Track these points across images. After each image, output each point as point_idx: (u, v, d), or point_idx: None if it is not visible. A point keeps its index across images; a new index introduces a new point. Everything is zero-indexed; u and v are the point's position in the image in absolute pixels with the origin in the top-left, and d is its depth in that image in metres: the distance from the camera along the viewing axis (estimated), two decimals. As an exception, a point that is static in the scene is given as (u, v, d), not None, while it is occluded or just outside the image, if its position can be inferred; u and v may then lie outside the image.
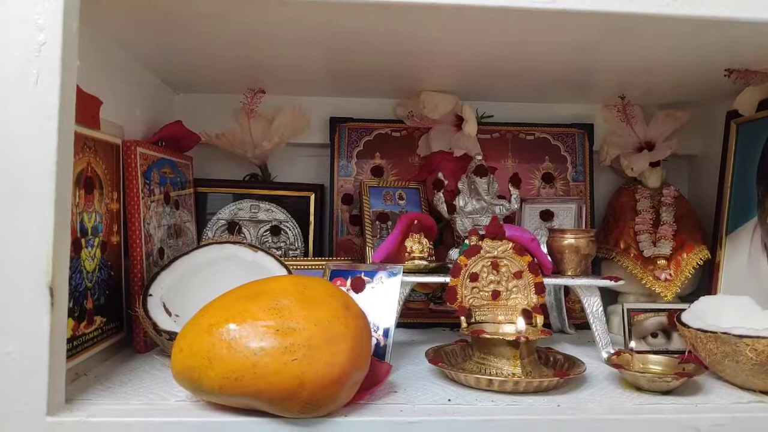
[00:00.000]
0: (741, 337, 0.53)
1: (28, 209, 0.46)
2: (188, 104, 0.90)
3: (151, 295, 0.63)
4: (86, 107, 0.59)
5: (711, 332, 0.55)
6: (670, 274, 0.81)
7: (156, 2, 0.55)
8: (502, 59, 0.72)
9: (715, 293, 0.80)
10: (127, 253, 0.68)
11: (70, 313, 0.55)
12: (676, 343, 0.70)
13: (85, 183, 0.59)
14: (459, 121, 0.87)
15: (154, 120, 0.81)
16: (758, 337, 0.52)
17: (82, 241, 0.58)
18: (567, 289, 0.83)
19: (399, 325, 0.84)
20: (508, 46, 0.66)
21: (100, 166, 0.62)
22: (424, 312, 0.87)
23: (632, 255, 0.84)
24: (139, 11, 0.57)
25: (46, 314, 0.46)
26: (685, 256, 0.82)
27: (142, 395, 0.52)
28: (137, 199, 0.69)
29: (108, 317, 0.64)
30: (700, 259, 0.81)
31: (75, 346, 0.56)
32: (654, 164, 0.88)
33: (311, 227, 0.91)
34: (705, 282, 0.83)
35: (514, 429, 0.48)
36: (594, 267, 0.90)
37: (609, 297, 0.88)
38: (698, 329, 0.57)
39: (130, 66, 0.74)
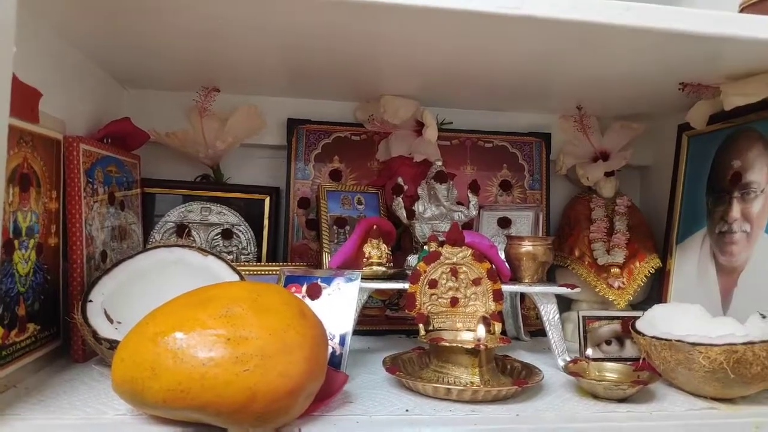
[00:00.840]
0: (694, 344, 0.53)
1: (-49, 206, 0.42)
2: (137, 100, 0.86)
3: (91, 301, 0.59)
4: (23, 99, 0.55)
5: (665, 340, 0.56)
6: (623, 282, 0.82)
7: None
8: (462, 64, 0.71)
9: (665, 301, 0.82)
10: (66, 255, 0.64)
11: (0, 320, 0.50)
12: (629, 350, 0.71)
13: (20, 180, 0.55)
14: (419, 127, 0.86)
15: (99, 116, 0.77)
16: (711, 345, 0.53)
17: (16, 242, 0.54)
18: (522, 296, 0.83)
19: (355, 332, 0.82)
20: (468, 50, 0.66)
21: (38, 163, 0.58)
22: (380, 319, 0.85)
23: (586, 263, 0.85)
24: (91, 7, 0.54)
25: (-30, 321, 0.42)
26: (637, 264, 0.83)
27: (78, 409, 0.48)
28: (79, 199, 0.64)
29: (42, 324, 0.59)
30: (652, 267, 0.83)
31: (4, 356, 0.52)
32: (608, 174, 0.89)
33: (265, 231, 0.88)
34: (656, 290, 0.85)
35: (473, 440, 0.47)
36: (549, 274, 0.91)
37: (563, 304, 0.89)
38: (653, 337, 0.58)
39: (75, 57, 0.69)
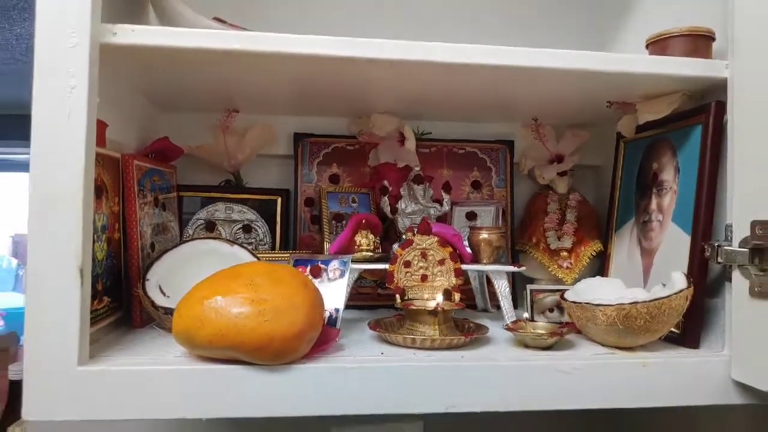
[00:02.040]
0: (596, 305, 0.72)
1: (65, 212, 0.61)
2: (173, 121, 1.05)
3: (148, 279, 0.79)
4: (97, 130, 0.74)
5: (578, 303, 0.74)
6: (570, 263, 1.00)
7: (152, 57, 0.70)
8: (434, 90, 0.89)
9: (607, 277, 1.00)
10: (126, 246, 0.83)
11: (88, 292, 0.70)
12: (568, 316, 0.89)
13: (96, 190, 0.74)
14: (402, 138, 1.04)
15: (144, 135, 0.96)
16: (607, 305, 0.71)
17: (95, 236, 0.73)
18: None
19: (352, 306, 1.01)
20: (436, 83, 0.84)
21: (106, 176, 0.78)
22: (372, 296, 1.04)
23: (542, 248, 1.03)
24: (140, 61, 0.73)
25: (77, 289, 0.61)
26: (582, 248, 1.01)
27: (148, 354, 0.68)
28: (134, 203, 0.84)
29: (111, 298, 0.79)
30: (594, 251, 1.01)
31: (91, 318, 0.71)
32: (561, 174, 1.07)
33: (278, 226, 1.07)
34: (600, 269, 1.03)
35: (426, 371, 0.66)
36: (513, 257, 1.09)
37: (528, 282, 1.07)
38: (572, 302, 0.76)
39: (129, 94, 0.89)
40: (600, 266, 1.03)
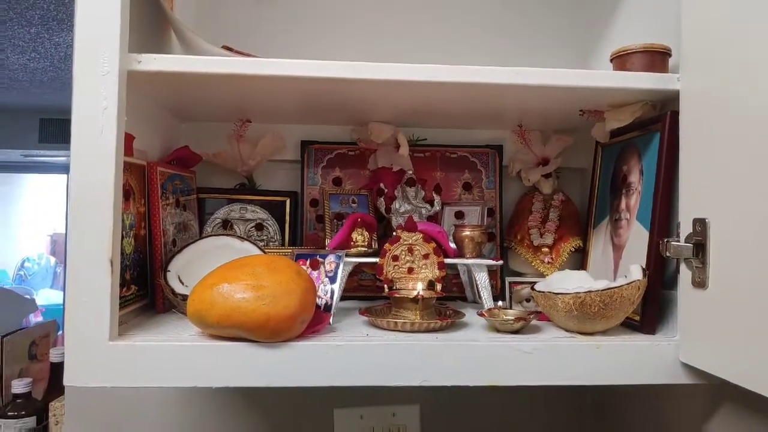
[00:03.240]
0: (556, 294, 0.81)
1: (98, 212, 0.73)
2: (192, 131, 1.17)
3: (169, 270, 0.91)
4: (126, 143, 0.86)
5: (542, 292, 0.84)
6: (551, 258, 1.09)
7: (172, 80, 0.82)
8: (426, 102, 0.99)
9: (585, 270, 1.09)
10: (151, 242, 0.96)
11: (118, 280, 0.82)
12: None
13: (125, 194, 0.87)
14: (398, 144, 1.15)
15: (166, 144, 1.09)
16: (565, 293, 0.80)
17: (123, 233, 0.86)
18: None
19: (354, 297, 1.12)
20: (427, 97, 0.94)
21: (133, 181, 0.90)
22: (372, 288, 1.14)
23: (526, 244, 1.12)
24: (165, 81, 0.85)
25: (108, 277, 0.73)
26: (563, 245, 1.10)
27: (167, 333, 0.80)
28: (157, 204, 0.96)
29: (138, 286, 0.92)
30: (573, 247, 1.09)
31: (120, 303, 0.84)
32: (546, 176, 1.16)
33: (287, 224, 1.18)
34: (580, 264, 1.11)
35: (405, 350, 0.76)
36: (502, 253, 1.18)
37: (514, 275, 1.16)
38: (538, 291, 0.85)
39: (153, 109, 1.01)
40: (579, 261, 1.11)
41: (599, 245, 1.06)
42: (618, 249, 0.99)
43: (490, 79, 0.83)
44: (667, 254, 0.80)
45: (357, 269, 1.07)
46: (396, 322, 0.82)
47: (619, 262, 0.98)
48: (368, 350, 0.76)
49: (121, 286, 0.85)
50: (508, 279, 1.00)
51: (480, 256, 0.99)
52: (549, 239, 1.10)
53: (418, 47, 1.21)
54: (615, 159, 1.03)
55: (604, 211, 1.06)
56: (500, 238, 1.18)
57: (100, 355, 0.73)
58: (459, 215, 1.14)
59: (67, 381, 0.74)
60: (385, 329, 0.83)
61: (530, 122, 1.16)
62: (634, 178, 0.96)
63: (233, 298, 0.73)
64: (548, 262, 1.09)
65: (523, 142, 1.17)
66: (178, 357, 0.74)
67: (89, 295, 0.73)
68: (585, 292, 0.79)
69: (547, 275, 1.09)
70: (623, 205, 0.98)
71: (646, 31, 1.00)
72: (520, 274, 1.17)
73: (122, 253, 0.85)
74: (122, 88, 0.76)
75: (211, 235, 0.99)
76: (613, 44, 1.13)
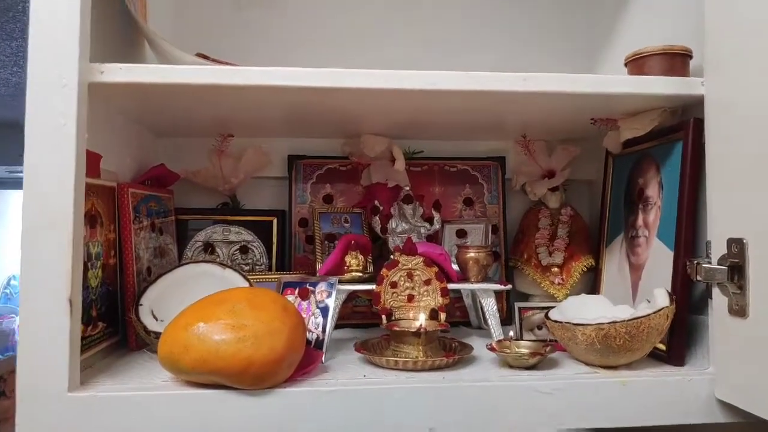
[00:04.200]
0: (576, 325, 0.72)
1: (53, 242, 0.64)
2: (169, 147, 1.08)
3: (141, 304, 0.81)
4: (91, 162, 0.77)
5: (559, 322, 0.75)
6: (562, 279, 1.01)
7: (145, 88, 0.73)
8: (422, 112, 0.90)
9: (599, 293, 1.00)
10: (122, 271, 0.86)
11: (80, 319, 0.73)
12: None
13: (90, 220, 0.77)
14: (393, 158, 1.06)
15: (140, 162, 1.00)
16: (586, 325, 0.71)
17: (88, 264, 0.76)
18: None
19: (347, 325, 1.03)
20: (424, 106, 0.85)
21: (100, 205, 0.81)
22: (367, 314, 1.05)
23: (533, 264, 1.03)
24: (134, 93, 0.76)
25: (67, 319, 0.64)
26: (573, 264, 1.01)
27: (136, 379, 0.70)
28: (129, 229, 0.87)
29: (108, 323, 0.82)
30: (585, 266, 1.01)
31: (84, 344, 0.74)
32: (553, 189, 1.08)
33: (274, 246, 1.09)
34: (592, 284, 1.03)
35: (408, 394, 0.67)
36: (506, 273, 1.10)
37: (522, 298, 1.07)
38: (554, 320, 0.77)
39: (123, 124, 0.92)
40: (592, 281, 1.03)
41: (613, 264, 0.98)
42: (636, 269, 0.90)
43: (494, 87, 0.74)
44: (698, 278, 0.72)
45: (351, 295, 0.97)
46: (396, 360, 0.73)
47: (638, 284, 0.89)
48: (366, 396, 0.67)
49: (87, 324, 0.75)
50: (517, 304, 0.91)
51: (486, 279, 0.91)
52: (559, 258, 1.02)
53: (413, 51, 1.13)
54: (629, 171, 0.95)
55: (618, 227, 0.97)
56: (505, 257, 1.09)
57: (58, 409, 0.64)
58: (461, 234, 1.06)
59: (19, 438, 0.64)
60: (384, 368, 0.74)
61: (534, 132, 1.08)
62: (652, 191, 0.88)
63: (210, 340, 0.63)
64: (559, 283, 1.01)
65: (527, 153, 1.08)
66: (147, 409, 0.65)
67: (46, 340, 0.64)
68: (609, 323, 0.70)
69: (558, 297, 1.00)
70: (640, 221, 0.90)
71: (652, 33, 0.92)
72: (526, 296, 1.08)
73: (87, 287, 0.75)
74: (82, 102, 0.67)
75: (188, 263, 0.89)
76: (621, 47, 1.06)
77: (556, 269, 1.01)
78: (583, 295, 0.86)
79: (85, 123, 0.67)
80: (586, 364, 0.76)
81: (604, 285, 1.00)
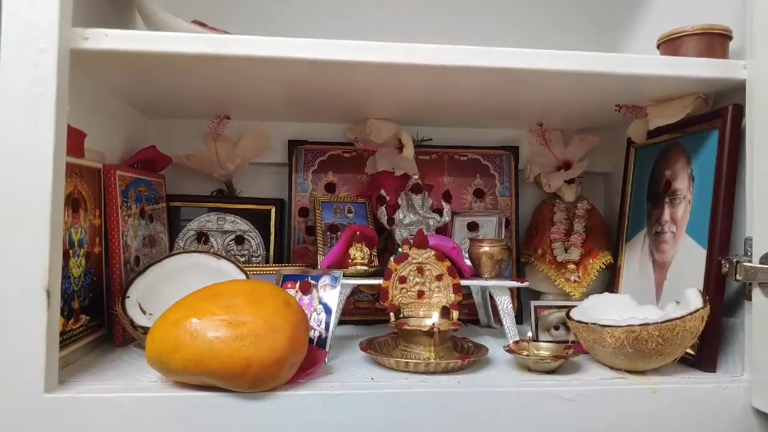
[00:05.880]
0: (603, 326, 0.66)
1: (29, 226, 0.57)
2: (161, 129, 1.01)
3: (128, 296, 0.75)
4: (73, 140, 0.70)
5: (584, 323, 0.69)
6: (578, 276, 0.95)
7: (134, 58, 0.66)
8: (435, 95, 0.84)
9: (617, 292, 0.94)
10: (108, 261, 0.79)
11: (60, 312, 0.66)
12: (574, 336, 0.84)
13: (73, 203, 0.70)
14: (401, 145, 1.00)
15: (130, 144, 0.93)
16: (615, 326, 0.65)
17: (70, 252, 0.70)
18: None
19: (349, 322, 0.97)
20: (437, 86, 0.79)
21: (84, 188, 0.74)
22: (371, 310, 0.99)
23: (548, 260, 0.97)
24: (122, 63, 0.69)
25: (44, 312, 0.57)
26: (591, 261, 0.96)
27: (121, 378, 0.64)
28: (116, 215, 0.80)
29: (91, 316, 0.75)
30: (603, 263, 0.95)
31: (64, 339, 0.67)
32: (569, 181, 1.02)
33: (272, 237, 1.02)
34: (611, 282, 0.97)
35: (420, 400, 0.61)
36: (518, 269, 1.04)
37: (534, 295, 1.01)
38: (577, 321, 0.71)
39: (111, 101, 0.85)
40: (610, 279, 0.97)
41: (634, 262, 0.92)
42: (660, 267, 0.84)
43: (523, 65, 0.68)
44: (737, 278, 0.66)
45: (353, 290, 0.91)
46: (407, 362, 0.67)
47: (663, 284, 0.84)
48: (375, 400, 0.61)
49: (68, 317, 0.69)
50: (533, 303, 0.85)
51: (500, 275, 0.84)
52: (575, 254, 0.96)
53: (422, 27, 1.06)
54: (654, 162, 0.89)
55: (640, 222, 0.92)
56: (517, 253, 1.03)
57: (34, 411, 0.57)
58: (472, 227, 0.99)
59: (-10, 443, 0.57)
60: (393, 370, 0.68)
61: (551, 119, 1.02)
62: (681, 184, 0.82)
63: (204, 337, 0.57)
64: (575, 281, 0.95)
65: (542, 142, 1.02)
66: (131, 412, 0.58)
67: (19, 335, 0.57)
68: (640, 325, 0.64)
69: (574, 295, 0.94)
70: (667, 215, 0.84)
71: (690, 13, 0.85)
72: (537, 294, 1.02)
73: (68, 277, 0.69)
74: (63, 71, 0.60)
75: (180, 253, 0.83)
76: (644, 30, 1.00)
77: (572, 266, 0.95)
78: (606, 293, 0.80)
79: (66, 94, 0.60)
80: (612, 368, 0.70)
81: (623, 284, 0.94)
